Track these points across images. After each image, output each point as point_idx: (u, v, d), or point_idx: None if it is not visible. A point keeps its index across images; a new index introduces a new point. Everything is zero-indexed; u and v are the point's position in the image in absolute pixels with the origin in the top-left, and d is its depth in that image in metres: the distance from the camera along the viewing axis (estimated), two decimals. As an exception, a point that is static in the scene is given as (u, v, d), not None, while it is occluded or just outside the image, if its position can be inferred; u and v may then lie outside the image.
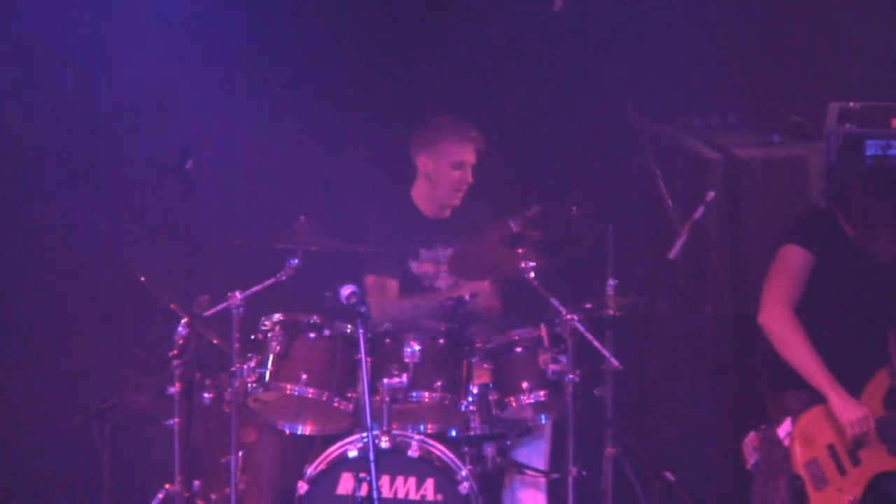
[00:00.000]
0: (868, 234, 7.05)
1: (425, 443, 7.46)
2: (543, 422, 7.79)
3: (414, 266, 8.28)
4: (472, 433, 7.57)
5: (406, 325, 7.56)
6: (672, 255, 8.07)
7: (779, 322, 7.08)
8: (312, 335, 7.50)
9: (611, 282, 8.00)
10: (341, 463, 7.32)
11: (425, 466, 7.34)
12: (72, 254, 8.63)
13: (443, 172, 8.23)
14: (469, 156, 8.23)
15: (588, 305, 7.80)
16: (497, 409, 7.58)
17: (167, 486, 7.46)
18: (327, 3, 8.79)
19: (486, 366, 7.61)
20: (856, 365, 7.10)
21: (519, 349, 7.64)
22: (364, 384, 6.68)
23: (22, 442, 8.54)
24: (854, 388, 7.07)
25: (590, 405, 8.03)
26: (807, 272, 7.10)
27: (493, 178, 8.81)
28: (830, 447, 7.07)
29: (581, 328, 7.56)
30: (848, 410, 6.98)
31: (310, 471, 7.37)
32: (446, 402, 7.49)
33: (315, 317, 7.51)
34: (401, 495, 7.28)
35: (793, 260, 7.12)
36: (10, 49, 8.50)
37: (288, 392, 7.46)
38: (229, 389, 7.42)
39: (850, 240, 7.11)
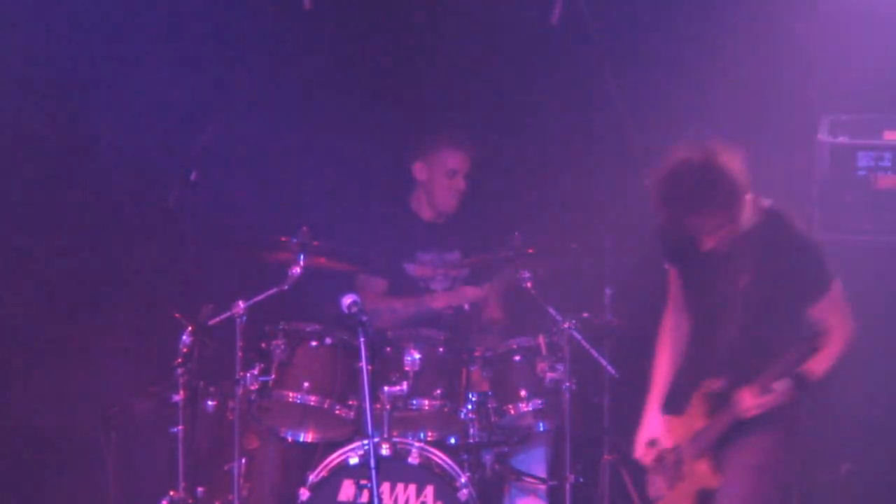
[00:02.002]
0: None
1: (425, 450, 7.51)
2: (541, 429, 7.85)
3: (410, 268, 8.35)
4: (471, 440, 7.61)
5: (406, 333, 7.64)
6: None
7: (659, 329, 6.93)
8: (314, 343, 7.57)
9: (608, 290, 8.08)
10: (343, 470, 7.38)
11: (425, 473, 7.40)
12: (77, 263, 8.65)
13: (437, 180, 8.33)
14: (462, 164, 8.32)
15: (585, 315, 7.86)
16: (496, 417, 7.65)
17: (171, 492, 7.49)
18: (330, 15, 8.84)
19: (484, 374, 7.67)
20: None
21: (517, 358, 7.71)
22: (365, 392, 6.73)
23: (28, 449, 8.56)
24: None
25: (587, 413, 8.12)
26: (676, 284, 6.87)
27: (492, 186, 8.89)
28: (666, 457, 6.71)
29: (578, 337, 7.66)
30: (641, 431, 6.72)
31: (312, 478, 7.42)
32: (446, 409, 7.56)
33: (317, 325, 7.59)
34: (401, 502, 7.33)
35: (669, 277, 6.94)
36: (10, 53, 8.53)
37: (290, 400, 7.52)
38: (233, 397, 7.50)
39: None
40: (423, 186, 8.39)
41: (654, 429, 6.65)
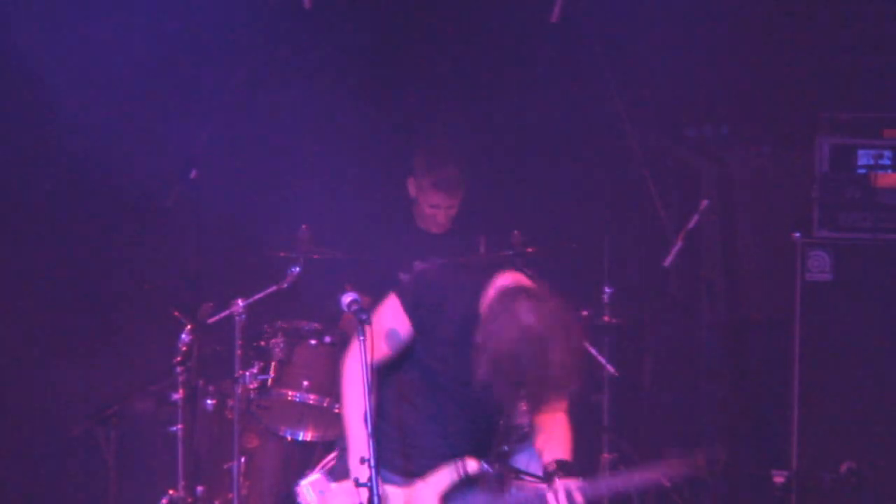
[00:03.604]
0: None
1: (425, 449, 7.52)
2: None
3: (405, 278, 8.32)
4: (470, 439, 7.62)
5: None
6: (667, 263, 8.16)
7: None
8: (314, 342, 7.57)
9: (607, 289, 8.08)
10: (342, 469, 7.38)
11: (425, 472, 7.41)
12: (76, 261, 8.66)
13: (421, 204, 8.25)
14: (444, 200, 8.14)
15: (584, 313, 7.87)
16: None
17: (171, 491, 7.51)
18: (330, 15, 8.85)
19: (484, 372, 7.65)
20: None
21: (517, 356, 7.69)
22: (365, 391, 6.71)
23: (27, 448, 8.56)
24: None
25: (586, 411, 8.12)
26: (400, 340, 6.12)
27: (489, 189, 8.88)
28: None
29: (577, 335, 7.64)
30: None
31: (311, 476, 7.44)
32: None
33: (316, 323, 7.59)
34: (400, 500, 7.35)
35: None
36: (13, 56, 8.54)
37: (289, 398, 7.53)
38: (232, 396, 7.50)
39: None
40: (414, 201, 8.33)
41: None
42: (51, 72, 8.55)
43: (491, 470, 5.90)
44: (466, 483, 5.89)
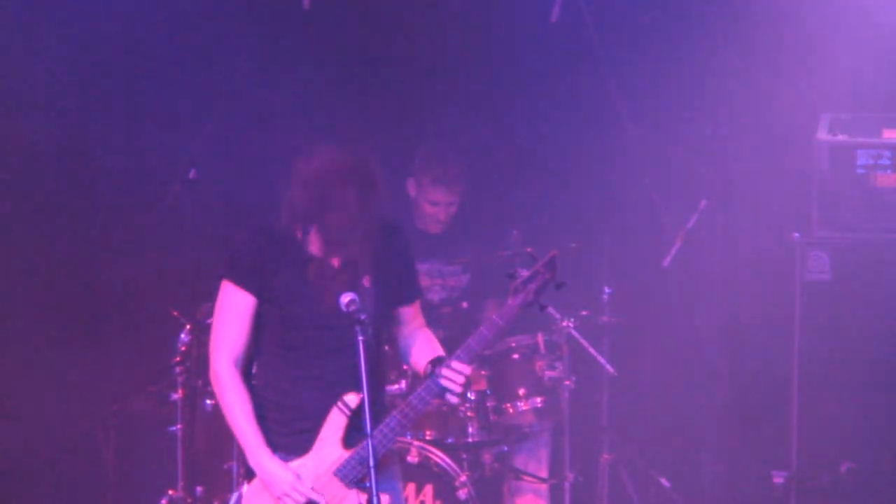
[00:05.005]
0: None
1: (424, 449, 7.50)
2: (540, 428, 7.84)
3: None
4: (469, 439, 7.62)
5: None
6: (666, 263, 8.16)
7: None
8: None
9: (607, 289, 8.08)
10: (342, 469, 7.38)
11: (424, 472, 7.40)
12: (75, 262, 8.66)
13: (421, 203, 8.26)
14: (444, 197, 8.21)
15: (584, 313, 7.87)
16: (494, 416, 7.65)
17: (170, 491, 7.54)
18: (329, 15, 8.84)
19: (483, 372, 7.67)
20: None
21: (516, 356, 7.71)
22: (364, 391, 6.72)
23: (27, 448, 8.56)
24: None
25: (586, 411, 8.13)
26: (248, 308, 6.07)
27: (489, 188, 8.89)
28: None
29: (577, 335, 7.66)
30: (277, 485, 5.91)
31: (310, 476, 7.42)
32: (444, 408, 7.56)
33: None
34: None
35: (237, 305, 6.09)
36: (12, 59, 8.54)
37: (289, 398, 7.52)
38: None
39: None
40: (414, 202, 8.34)
41: (289, 478, 5.88)
42: (49, 71, 8.55)
43: (366, 394, 5.84)
44: (357, 416, 5.88)
